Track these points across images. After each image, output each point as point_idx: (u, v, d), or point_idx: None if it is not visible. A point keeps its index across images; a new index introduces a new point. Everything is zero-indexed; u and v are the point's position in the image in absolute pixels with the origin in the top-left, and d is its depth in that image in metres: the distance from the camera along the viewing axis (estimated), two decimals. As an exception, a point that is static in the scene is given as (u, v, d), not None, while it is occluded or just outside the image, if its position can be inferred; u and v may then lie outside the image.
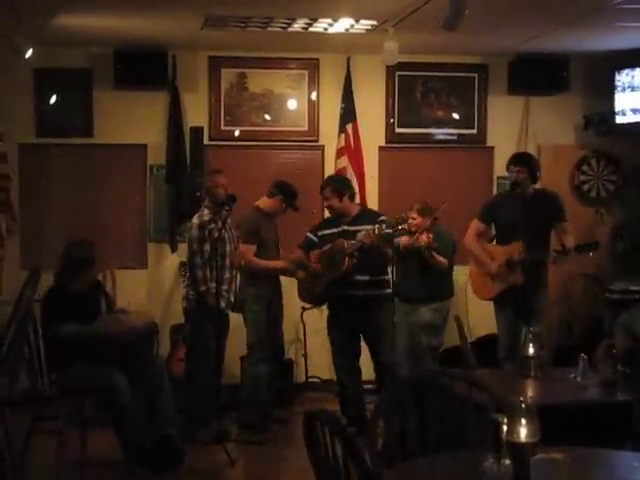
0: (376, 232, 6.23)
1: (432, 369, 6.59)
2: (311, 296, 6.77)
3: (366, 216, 6.62)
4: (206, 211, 6.64)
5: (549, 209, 6.60)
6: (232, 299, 6.77)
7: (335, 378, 6.92)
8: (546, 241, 6.52)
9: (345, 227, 6.53)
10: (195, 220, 6.60)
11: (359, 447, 2.87)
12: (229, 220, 6.56)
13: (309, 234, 6.74)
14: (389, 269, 6.94)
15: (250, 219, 6.89)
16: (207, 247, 6.47)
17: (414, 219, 6.86)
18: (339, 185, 6.68)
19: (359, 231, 6.37)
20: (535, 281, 6.49)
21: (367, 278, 6.47)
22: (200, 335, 6.57)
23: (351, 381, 6.70)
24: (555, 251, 6.36)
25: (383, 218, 6.53)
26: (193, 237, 6.54)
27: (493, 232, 6.99)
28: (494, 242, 6.92)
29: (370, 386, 7.13)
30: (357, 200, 7.99)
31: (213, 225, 6.51)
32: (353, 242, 6.32)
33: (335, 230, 6.56)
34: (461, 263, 7.19)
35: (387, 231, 6.29)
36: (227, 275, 6.65)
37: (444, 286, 7.05)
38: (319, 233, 6.67)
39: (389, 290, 6.73)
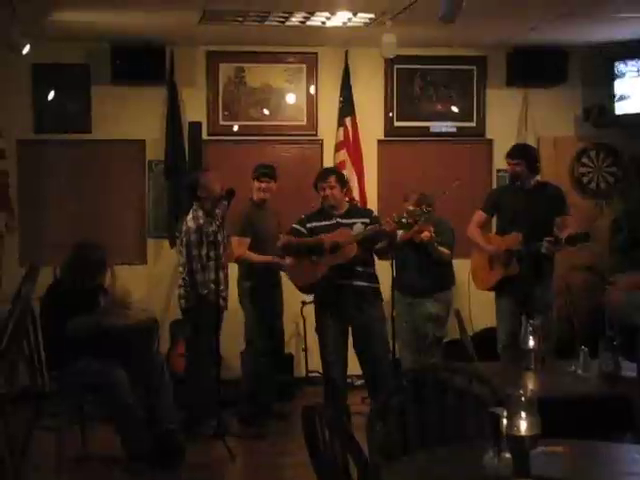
0: (396, 220, 6.18)
1: (433, 363, 6.59)
2: (306, 283, 6.50)
3: (357, 211, 6.61)
4: (200, 212, 6.54)
5: (550, 202, 6.61)
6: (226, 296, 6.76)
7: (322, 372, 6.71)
8: (547, 233, 6.49)
9: (339, 220, 6.40)
10: (191, 224, 6.48)
11: (357, 441, 2.87)
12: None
13: (295, 225, 6.53)
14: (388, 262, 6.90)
15: (240, 211, 6.86)
16: (204, 251, 6.43)
17: None
18: (342, 176, 6.66)
19: (354, 224, 6.32)
20: (536, 273, 6.49)
21: (370, 270, 6.40)
22: (202, 333, 6.50)
23: (340, 375, 6.51)
24: (547, 242, 6.34)
25: (376, 214, 6.54)
26: (191, 242, 6.45)
27: (494, 225, 7.02)
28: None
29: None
30: (356, 195, 8.04)
31: (209, 228, 6.47)
32: (370, 228, 6.28)
33: (329, 222, 6.41)
34: (461, 256, 7.17)
35: (403, 220, 6.21)
36: (222, 275, 6.63)
37: (446, 276, 7.05)
38: (308, 225, 6.49)
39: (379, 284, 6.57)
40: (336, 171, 6.83)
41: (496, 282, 6.63)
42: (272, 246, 6.87)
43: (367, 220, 6.35)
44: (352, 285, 6.34)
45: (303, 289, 6.67)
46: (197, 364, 6.59)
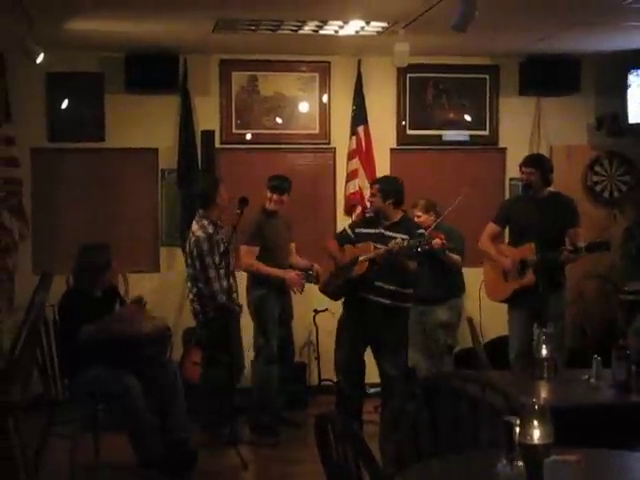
0: (405, 244, 6.19)
1: (446, 371, 6.59)
2: (327, 289, 6.75)
3: (405, 225, 6.54)
4: (206, 221, 6.61)
5: (562, 212, 6.59)
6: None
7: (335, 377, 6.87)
8: (558, 244, 6.48)
9: (383, 230, 6.47)
10: (200, 233, 6.55)
11: (370, 449, 2.87)
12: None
13: (347, 229, 6.74)
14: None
15: (251, 220, 6.88)
16: (217, 259, 6.47)
17: (419, 217, 6.86)
18: (387, 187, 6.59)
19: (394, 238, 6.33)
20: (550, 283, 6.47)
21: (392, 288, 6.42)
22: (220, 341, 6.51)
23: (350, 384, 6.63)
24: (566, 250, 6.33)
25: (421, 231, 6.45)
26: (204, 251, 6.52)
27: (506, 234, 7.01)
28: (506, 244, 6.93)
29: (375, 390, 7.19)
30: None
31: (217, 236, 6.50)
32: (380, 247, 6.31)
33: (373, 231, 6.52)
34: (471, 265, 7.16)
35: (412, 243, 6.21)
36: (232, 282, 6.67)
37: (457, 284, 7.05)
38: (357, 230, 6.63)
39: (409, 304, 6.62)
40: (382, 181, 6.78)
41: (511, 293, 6.60)
42: (280, 255, 6.90)
43: (409, 237, 6.32)
44: (372, 300, 6.41)
45: (325, 294, 6.87)
46: (216, 375, 6.59)
